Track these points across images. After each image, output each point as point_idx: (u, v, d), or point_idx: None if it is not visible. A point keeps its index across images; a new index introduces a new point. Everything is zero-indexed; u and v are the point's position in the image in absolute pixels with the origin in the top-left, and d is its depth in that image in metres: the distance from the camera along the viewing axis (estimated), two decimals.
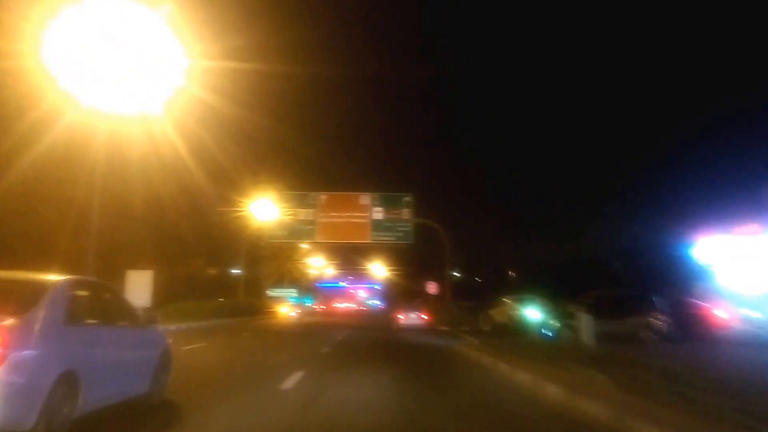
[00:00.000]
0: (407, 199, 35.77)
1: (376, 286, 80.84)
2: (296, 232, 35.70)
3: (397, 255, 53.25)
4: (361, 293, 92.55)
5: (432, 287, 32.66)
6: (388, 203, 35.72)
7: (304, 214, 35.54)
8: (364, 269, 71.21)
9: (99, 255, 16.53)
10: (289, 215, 35.45)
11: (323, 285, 79.44)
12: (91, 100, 11.70)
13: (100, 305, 6.18)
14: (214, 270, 45.06)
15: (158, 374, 7.09)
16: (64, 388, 4.92)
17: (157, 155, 20.26)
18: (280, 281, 57.78)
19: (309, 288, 62.40)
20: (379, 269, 69.03)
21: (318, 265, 70.02)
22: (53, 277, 5.55)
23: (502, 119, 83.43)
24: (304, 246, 61.29)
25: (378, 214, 35.49)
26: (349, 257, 68.61)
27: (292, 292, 54.34)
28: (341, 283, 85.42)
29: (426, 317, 30.95)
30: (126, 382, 6.31)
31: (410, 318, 30.88)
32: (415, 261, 51.33)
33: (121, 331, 6.42)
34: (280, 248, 58.14)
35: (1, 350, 4.35)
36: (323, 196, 35.76)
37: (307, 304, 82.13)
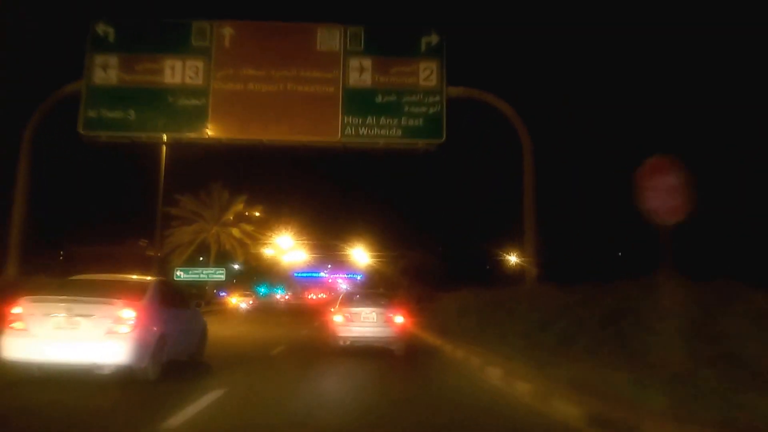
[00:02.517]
0: (431, 40, 14.92)
1: (358, 276, 67.73)
2: (160, 114, 14.48)
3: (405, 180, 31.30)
4: (341, 283, 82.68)
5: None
6: (386, 49, 14.94)
7: (179, 71, 14.48)
8: (344, 254, 56.62)
9: None
10: (143, 76, 14.38)
11: (298, 274, 74.28)
12: None
13: (172, 295, 9.51)
14: None
15: (201, 342, 10.39)
16: (160, 344, 8.00)
17: None
18: (204, 256, 37.11)
19: (244, 264, 41.51)
20: (362, 255, 53.30)
21: (285, 246, 51.60)
22: (151, 278, 9.82)
23: None
24: (258, 216, 40.45)
25: (361, 73, 14.67)
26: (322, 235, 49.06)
27: (219, 273, 33.49)
28: (322, 273, 78.00)
29: (401, 321, 12.64)
30: (186, 345, 9.49)
31: (363, 323, 12.42)
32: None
33: (183, 312, 9.70)
34: (202, 203, 37.18)
35: (136, 321, 7.46)
36: (227, 29, 14.65)
37: (278, 295, 73.63)
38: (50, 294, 7.80)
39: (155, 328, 7.93)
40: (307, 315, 33.51)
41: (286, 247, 55.17)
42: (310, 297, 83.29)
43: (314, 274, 78.25)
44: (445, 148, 15.31)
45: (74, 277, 9.06)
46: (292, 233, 52.22)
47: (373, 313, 12.46)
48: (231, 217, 38.49)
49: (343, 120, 14.46)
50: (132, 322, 7.35)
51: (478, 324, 11.69)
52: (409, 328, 15.03)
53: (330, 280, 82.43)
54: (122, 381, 7.46)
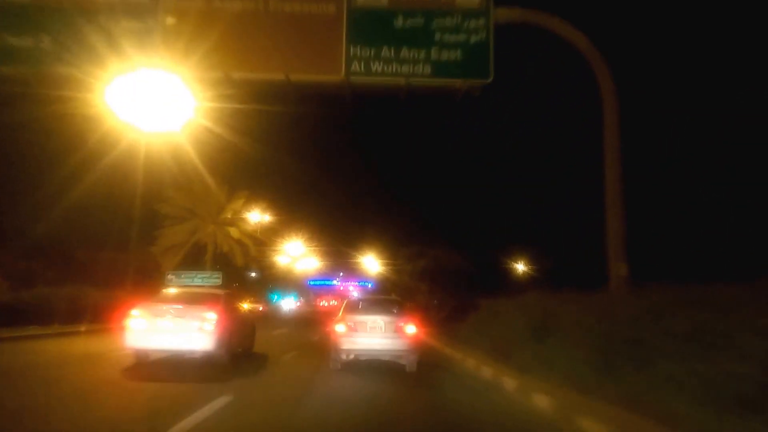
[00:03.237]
0: None
1: (369, 284, 67.59)
2: (87, 42, 10.28)
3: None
4: (352, 290, 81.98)
5: None
6: None
7: None
8: (356, 261, 56.17)
9: None
10: None
11: (312, 282, 76.78)
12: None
13: (234, 302, 12.73)
14: None
15: (251, 339, 13.29)
16: (230, 338, 10.80)
17: None
18: (200, 260, 32.99)
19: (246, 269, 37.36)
20: (373, 262, 52.35)
21: (294, 253, 51.61)
22: (221, 289, 14.60)
23: None
24: (259, 214, 36.31)
25: None
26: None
27: (215, 278, 29.41)
28: (334, 281, 79.15)
29: (414, 331, 10.93)
30: (243, 340, 12.35)
31: (370, 334, 10.78)
32: None
33: (241, 316, 12.88)
34: (197, 198, 33.06)
35: (217, 321, 10.16)
36: None
37: (290, 302, 74.07)
38: (158, 301, 10.82)
39: (227, 327, 10.61)
40: (313, 323, 29.42)
41: (298, 254, 52.11)
42: (321, 304, 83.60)
43: (327, 282, 79.46)
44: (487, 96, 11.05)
45: (168, 290, 13.23)
46: (303, 239, 48.94)
47: (381, 322, 10.85)
48: (229, 216, 34.35)
49: (348, 51, 10.23)
50: (214, 321, 10.15)
51: (591, 358, 6.90)
52: (423, 339, 13.47)
53: (342, 288, 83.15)
54: (206, 363, 10.31)
